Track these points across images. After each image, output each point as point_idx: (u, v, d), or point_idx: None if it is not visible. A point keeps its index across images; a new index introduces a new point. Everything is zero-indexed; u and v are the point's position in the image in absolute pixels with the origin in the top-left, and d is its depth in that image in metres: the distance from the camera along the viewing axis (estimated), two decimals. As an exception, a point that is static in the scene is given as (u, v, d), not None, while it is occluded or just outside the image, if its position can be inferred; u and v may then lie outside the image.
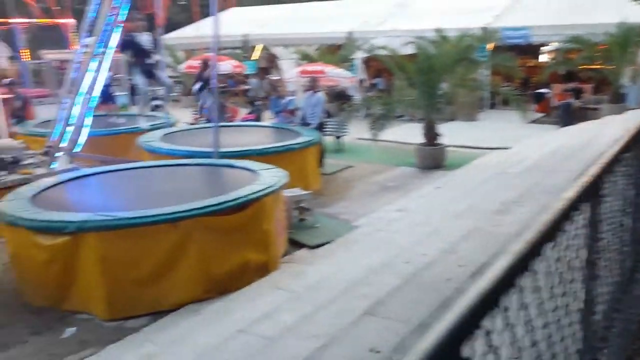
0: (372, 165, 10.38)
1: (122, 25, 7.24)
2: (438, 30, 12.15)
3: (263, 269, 5.57)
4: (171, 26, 12.03)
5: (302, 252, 6.25)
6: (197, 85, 11.22)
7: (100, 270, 4.82)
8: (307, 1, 23.38)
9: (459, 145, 11.31)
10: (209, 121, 11.07)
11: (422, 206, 7.43)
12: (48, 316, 4.95)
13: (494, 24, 16.32)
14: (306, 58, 17.61)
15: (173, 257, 5.02)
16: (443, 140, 10.47)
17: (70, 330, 4.71)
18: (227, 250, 5.30)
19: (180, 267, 5.04)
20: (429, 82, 10.18)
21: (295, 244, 6.43)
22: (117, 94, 15.26)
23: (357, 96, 16.51)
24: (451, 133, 11.19)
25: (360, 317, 3.82)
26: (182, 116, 13.71)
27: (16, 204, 5.37)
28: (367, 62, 17.42)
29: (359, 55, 16.87)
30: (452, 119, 14.16)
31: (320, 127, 10.00)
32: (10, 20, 14.72)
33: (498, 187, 7.42)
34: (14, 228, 5.11)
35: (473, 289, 1.09)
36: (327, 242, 6.42)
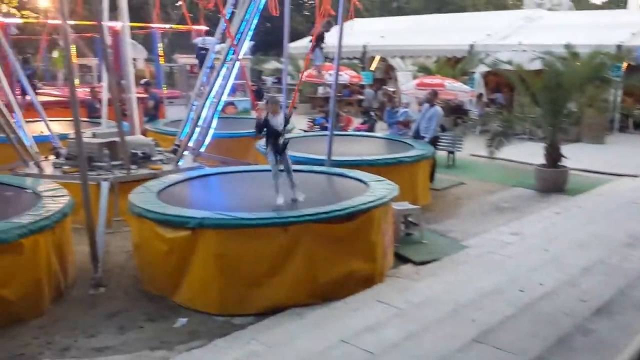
0: (486, 184, 9.99)
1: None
2: (568, 46, 11.44)
3: (367, 281, 5.53)
4: (295, 36, 12.43)
5: (408, 268, 6.13)
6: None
7: (215, 266, 5.03)
8: (428, 13, 23.16)
9: (583, 169, 10.59)
10: (325, 129, 11.26)
11: (540, 231, 7.02)
12: (163, 305, 5.25)
13: (630, 41, 15.11)
14: (424, 70, 17.38)
15: (281, 260, 5.13)
16: (566, 162, 9.83)
17: (181, 321, 4.95)
18: (333, 258, 5.32)
19: (288, 270, 5.14)
20: (555, 100, 9.62)
21: (401, 259, 6.33)
22: (241, 99, 16.00)
23: (475, 111, 16.02)
24: (575, 155, 10.48)
25: (468, 343, 3.66)
26: (298, 123, 14.06)
27: (144, 197, 5.76)
28: (486, 76, 16.83)
29: (480, 69, 16.35)
30: (577, 141, 13.29)
31: (434, 141, 9.80)
32: (150, 25, 15.96)
33: (628, 218, 6.83)
34: (140, 219, 5.48)
35: None
36: (435, 260, 6.26)
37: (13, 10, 19.68)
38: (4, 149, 8.52)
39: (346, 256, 5.40)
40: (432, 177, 9.38)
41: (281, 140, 5.75)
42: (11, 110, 7.97)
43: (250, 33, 7.80)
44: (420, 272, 5.95)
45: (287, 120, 5.88)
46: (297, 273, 5.14)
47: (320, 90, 22.05)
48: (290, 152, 8.40)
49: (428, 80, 14.37)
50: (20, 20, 15.71)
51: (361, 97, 19.63)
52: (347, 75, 17.45)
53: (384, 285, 5.56)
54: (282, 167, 5.81)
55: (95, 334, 4.70)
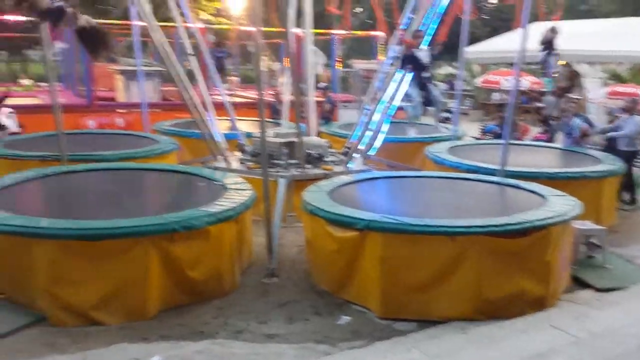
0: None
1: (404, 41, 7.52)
2: None
3: (539, 303, 5.19)
4: (471, 40, 12.12)
5: (587, 293, 5.62)
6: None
7: (379, 268, 5.08)
8: (622, 17, 20.95)
9: None
10: (497, 137, 10.78)
11: None
12: (329, 300, 5.44)
13: None
14: (615, 78, 15.79)
15: (446, 270, 5.02)
16: None
17: (345, 319, 5.09)
18: (502, 274, 5.07)
19: (452, 281, 5.01)
20: None
21: (579, 283, 5.83)
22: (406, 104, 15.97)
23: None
24: None
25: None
26: (469, 130, 13.65)
27: (316, 196, 6.02)
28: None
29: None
30: None
31: (632, 156, 8.84)
32: (330, 32, 16.66)
33: None
34: (312, 216, 5.74)
35: None
36: (619, 288, 5.67)
37: (210, 18, 21.82)
38: (197, 144, 9.52)
39: (517, 274, 5.11)
40: (621, 196, 8.51)
41: (425, 74, 5.62)
42: (206, 109, 8.84)
43: (428, 38, 7.75)
44: (601, 299, 5.43)
45: (433, 56, 5.77)
46: (462, 285, 4.99)
47: (496, 96, 21.17)
48: (462, 159, 8.25)
49: (621, 88, 13.04)
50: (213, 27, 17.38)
51: (541, 105, 18.45)
52: (527, 81, 16.52)
53: (557, 310, 5.16)
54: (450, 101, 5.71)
55: (266, 320, 5.02)
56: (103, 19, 11.85)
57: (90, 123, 13.03)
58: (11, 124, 9.56)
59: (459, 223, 5.08)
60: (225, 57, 15.56)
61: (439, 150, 8.97)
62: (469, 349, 4.38)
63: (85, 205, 6.14)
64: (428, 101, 7.89)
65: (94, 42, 6.14)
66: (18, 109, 10.75)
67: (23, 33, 25.51)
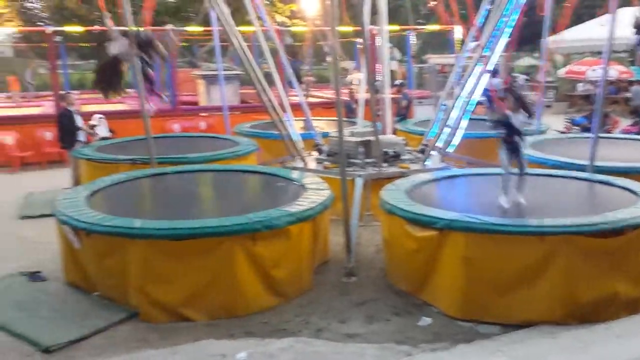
0: None
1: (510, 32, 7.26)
2: None
3: (634, 306, 4.93)
4: (553, 30, 11.61)
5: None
6: None
7: (461, 269, 4.98)
8: None
9: None
10: (585, 131, 10.26)
11: None
12: (408, 301, 5.40)
13: None
14: None
15: (533, 271, 4.84)
16: None
17: (426, 320, 5.02)
18: (594, 275, 4.83)
19: (540, 283, 4.82)
20: None
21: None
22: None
23: None
24: None
25: None
26: (554, 123, 13.07)
27: (394, 194, 5.98)
28: None
29: None
30: None
31: None
32: (406, 27, 16.48)
33: None
34: (390, 215, 5.70)
35: None
36: None
37: (286, 20, 22.17)
38: (275, 144, 9.72)
39: (610, 275, 4.85)
40: None
41: (518, 140, 5.45)
42: (284, 110, 9.00)
43: (509, 30, 7.49)
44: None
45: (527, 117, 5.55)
46: (551, 288, 4.79)
47: (580, 87, 20.15)
48: (546, 155, 7.90)
49: None
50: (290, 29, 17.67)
51: (629, 94, 17.38)
52: (615, 71, 15.62)
53: (656, 314, 4.85)
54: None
55: (345, 320, 5.05)
56: (186, 25, 12.37)
57: (175, 127, 13.62)
58: (102, 129, 10.15)
59: (548, 222, 4.88)
60: (300, 65, 15.80)
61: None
62: (559, 355, 4.21)
63: (173, 206, 6.43)
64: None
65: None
66: (108, 115, 11.40)
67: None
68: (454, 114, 8.29)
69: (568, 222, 4.82)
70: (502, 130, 5.54)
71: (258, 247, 5.16)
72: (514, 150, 5.56)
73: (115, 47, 7.35)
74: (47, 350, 4.57)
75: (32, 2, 28.00)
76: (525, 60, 26.98)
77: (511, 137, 5.51)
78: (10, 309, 5.27)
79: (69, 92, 10.55)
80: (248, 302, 5.18)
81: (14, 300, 5.47)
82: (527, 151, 8.19)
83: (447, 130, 8.42)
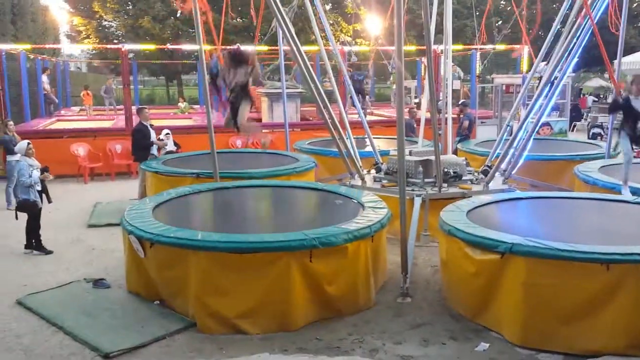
0: None
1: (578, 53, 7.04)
2: None
3: None
4: (626, 50, 11.13)
5: None
6: None
7: (522, 294, 4.82)
8: None
9: None
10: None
11: None
12: (465, 325, 5.27)
13: None
14: None
15: (599, 300, 4.62)
16: None
17: (483, 345, 4.88)
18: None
19: (605, 313, 4.61)
20: None
21: None
22: (557, 119, 15.09)
23: None
24: None
25: None
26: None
27: (454, 216, 5.87)
28: None
29: None
30: None
31: None
32: (471, 47, 16.28)
33: None
34: (449, 237, 5.59)
35: None
36: None
37: (349, 39, 22.41)
38: (333, 161, 9.80)
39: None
40: None
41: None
42: (344, 128, 9.05)
43: (579, 50, 7.27)
44: None
45: None
46: (616, 317, 4.57)
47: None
48: (614, 180, 7.57)
49: None
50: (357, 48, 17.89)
51: None
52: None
53: None
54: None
55: (401, 341, 4.98)
56: (253, 44, 12.73)
57: (238, 142, 13.96)
58: (169, 143, 10.52)
59: (615, 250, 4.65)
60: (363, 79, 15.89)
61: (590, 169, 8.35)
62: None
63: (234, 219, 6.58)
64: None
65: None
66: (175, 130, 11.82)
67: (180, 60, 28.20)
68: (520, 135, 8.09)
69: (637, 251, 4.58)
70: (620, 113, 5.22)
71: (314, 263, 5.18)
72: (635, 137, 5.22)
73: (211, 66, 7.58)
74: (107, 356, 4.74)
75: (109, 21, 29.59)
76: (595, 81, 26.02)
77: (632, 122, 5.18)
78: (74, 314, 5.52)
79: (144, 107, 10.95)
80: (302, 317, 5.21)
81: (78, 306, 5.73)
82: (596, 175, 7.92)
83: (511, 151, 8.22)
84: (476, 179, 8.38)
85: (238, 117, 7.41)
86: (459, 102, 12.98)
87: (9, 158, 9.89)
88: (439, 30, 9.44)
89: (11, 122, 10.71)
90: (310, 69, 8.25)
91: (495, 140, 9.88)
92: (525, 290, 4.81)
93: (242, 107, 7.38)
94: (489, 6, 10.10)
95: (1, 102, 13.67)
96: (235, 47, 7.69)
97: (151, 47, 22.32)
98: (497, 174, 8.31)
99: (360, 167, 8.79)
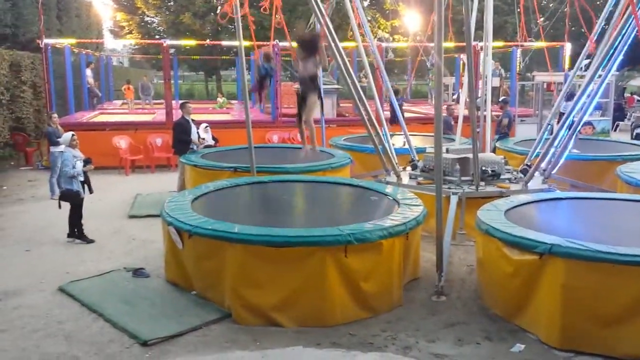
0: None
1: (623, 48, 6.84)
2: None
3: None
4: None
5: None
6: None
7: (560, 296, 4.73)
8: None
9: None
10: None
11: None
12: (501, 325, 5.20)
13: None
14: None
15: (638, 304, 4.51)
16: None
17: (519, 346, 4.82)
18: None
19: (647, 316, 4.49)
20: None
21: None
22: (599, 118, 14.71)
23: None
24: None
25: None
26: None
27: (492, 215, 5.80)
28: None
29: None
30: None
31: None
32: (511, 44, 16.00)
33: None
34: (486, 236, 5.53)
35: None
36: None
37: (387, 36, 22.26)
38: (369, 158, 9.78)
39: None
40: None
41: None
42: (380, 125, 9.03)
43: (624, 48, 7.06)
44: None
45: None
46: (659, 322, 4.45)
47: None
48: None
49: None
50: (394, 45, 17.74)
51: None
52: None
53: None
54: None
55: (434, 339, 4.95)
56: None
57: (274, 137, 14.07)
58: (207, 137, 10.68)
59: (657, 252, 4.53)
60: (402, 104, 15.81)
61: (633, 170, 8.10)
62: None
63: (270, 213, 6.65)
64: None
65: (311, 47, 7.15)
66: (213, 124, 11.99)
67: (219, 56, 28.57)
68: (561, 134, 7.91)
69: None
70: None
71: (349, 259, 5.19)
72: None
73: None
74: (145, 344, 4.87)
75: (151, 17, 30.18)
76: (639, 81, 25.21)
77: None
78: (114, 302, 5.68)
79: (187, 102, 11.11)
80: (336, 312, 5.23)
81: (118, 294, 5.89)
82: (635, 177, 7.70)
83: (551, 150, 8.05)
84: (515, 178, 8.24)
85: (305, 110, 7.29)
86: (499, 100, 12.76)
87: (53, 149, 10.21)
88: (479, 26, 9.29)
89: (55, 115, 11.02)
90: (348, 65, 8.25)
91: (535, 139, 9.69)
92: (563, 292, 4.72)
93: (309, 100, 7.21)
94: (522, 2, 9.83)
95: (47, 95, 14.11)
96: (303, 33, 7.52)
97: (192, 42, 22.68)
98: (536, 173, 8.15)
99: (396, 163, 8.75)
